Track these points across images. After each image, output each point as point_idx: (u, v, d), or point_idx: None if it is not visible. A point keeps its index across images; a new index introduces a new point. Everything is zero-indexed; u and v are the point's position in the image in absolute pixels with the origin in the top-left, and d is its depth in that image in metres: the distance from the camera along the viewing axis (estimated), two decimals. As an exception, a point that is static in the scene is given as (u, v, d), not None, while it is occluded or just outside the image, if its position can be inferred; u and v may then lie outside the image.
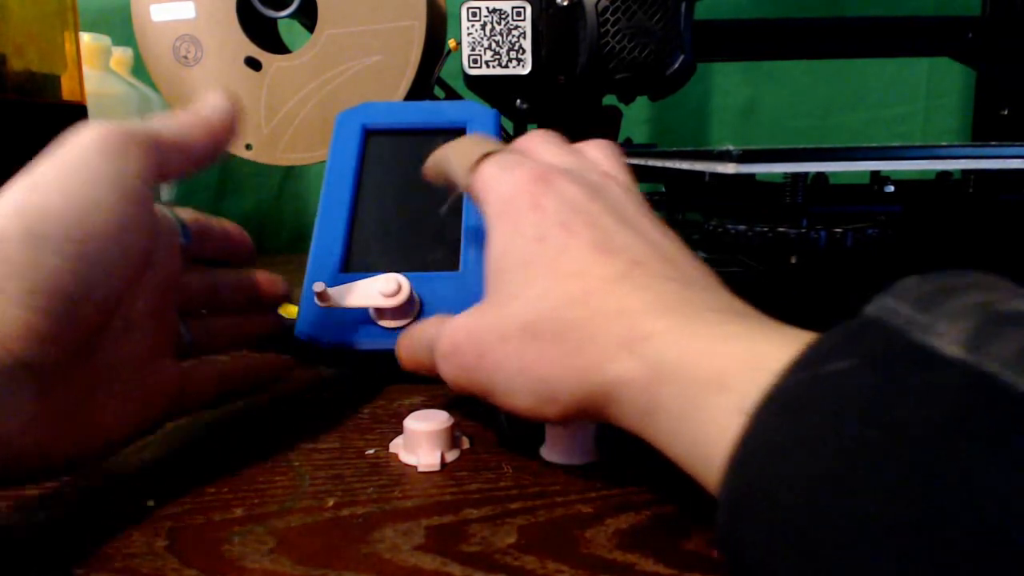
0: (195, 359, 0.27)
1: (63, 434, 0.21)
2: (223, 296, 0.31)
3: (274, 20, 0.58)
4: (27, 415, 0.19)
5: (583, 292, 0.20)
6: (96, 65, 0.65)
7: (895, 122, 0.83)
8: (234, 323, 0.31)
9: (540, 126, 0.51)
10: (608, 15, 0.44)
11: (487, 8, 0.46)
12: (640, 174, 0.53)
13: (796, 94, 0.84)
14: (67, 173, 0.20)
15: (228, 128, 0.25)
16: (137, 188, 0.21)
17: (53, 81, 0.50)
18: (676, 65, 0.45)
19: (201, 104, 0.25)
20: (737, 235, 0.35)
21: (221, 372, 0.28)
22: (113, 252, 0.21)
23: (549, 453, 0.28)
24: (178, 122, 0.24)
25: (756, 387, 0.15)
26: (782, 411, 0.14)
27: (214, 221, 0.30)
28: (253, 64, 0.57)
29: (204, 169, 0.25)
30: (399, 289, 0.35)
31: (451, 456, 0.27)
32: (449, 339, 0.23)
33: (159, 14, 0.57)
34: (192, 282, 0.29)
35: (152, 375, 0.24)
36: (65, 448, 0.21)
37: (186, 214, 0.29)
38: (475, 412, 0.32)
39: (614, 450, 0.28)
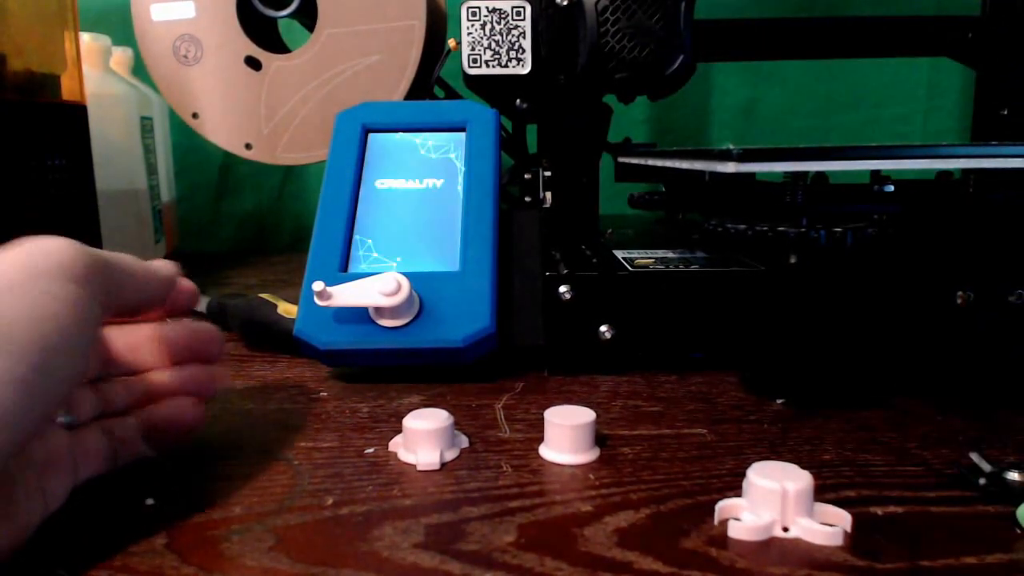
0: (87, 425, 0.25)
1: (5, 531, 0.20)
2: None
3: (274, 20, 0.58)
4: None
5: None
6: (96, 65, 0.65)
7: (895, 122, 0.83)
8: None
9: (540, 125, 0.51)
10: (608, 15, 0.44)
11: (487, 8, 0.46)
12: (640, 174, 0.53)
13: (796, 94, 0.84)
14: (33, 283, 0.20)
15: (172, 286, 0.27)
16: (95, 314, 0.22)
17: (53, 81, 0.50)
18: (676, 65, 0.45)
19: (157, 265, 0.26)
20: (737, 235, 0.35)
21: (117, 436, 0.25)
22: (70, 371, 0.20)
23: (548, 452, 0.28)
24: (141, 270, 0.25)
25: None
26: None
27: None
28: (253, 64, 0.57)
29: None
30: (399, 288, 0.35)
31: (450, 455, 0.27)
32: None
33: (159, 14, 0.57)
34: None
35: (43, 452, 0.22)
36: (7, 541, 0.20)
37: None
38: (476, 411, 0.32)
39: (613, 449, 0.28)
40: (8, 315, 0.19)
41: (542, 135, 0.51)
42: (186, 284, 0.28)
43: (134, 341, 0.28)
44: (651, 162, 0.44)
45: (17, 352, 0.18)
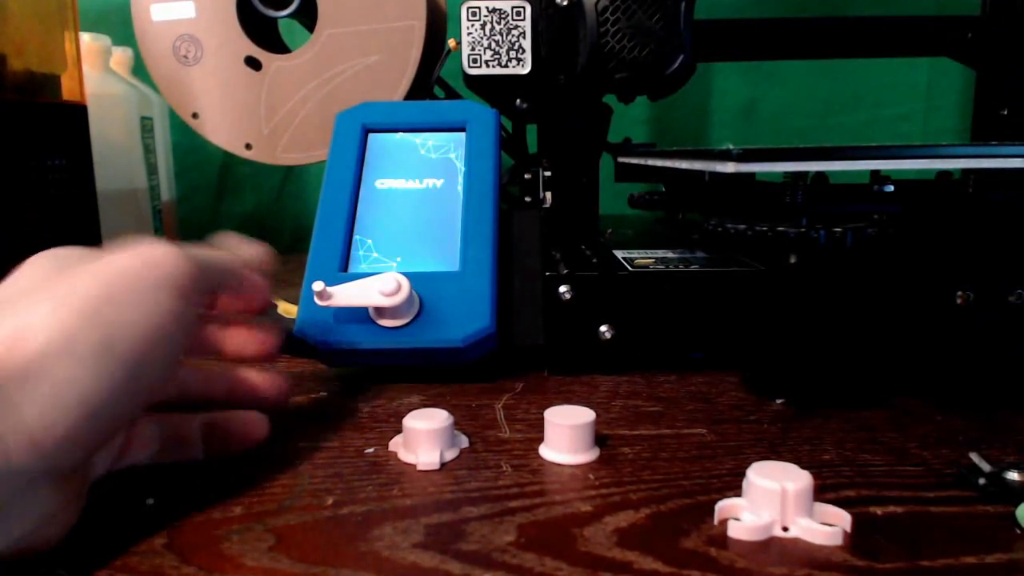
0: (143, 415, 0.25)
1: (72, 510, 0.21)
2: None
3: (274, 20, 0.58)
4: (46, 509, 0.20)
5: None
6: (96, 65, 0.65)
7: (895, 122, 0.83)
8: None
9: (539, 125, 0.51)
10: (608, 15, 0.44)
11: (487, 8, 0.46)
12: (640, 174, 0.53)
13: (796, 94, 0.84)
14: (141, 294, 0.21)
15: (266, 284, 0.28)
16: (193, 324, 0.24)
17: (53, 81, 0.50)
18: (676, 65, 0.45)
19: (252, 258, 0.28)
20: (737, 235, 0.35)
21: (166, 432, 0.26)
22: (162, 374, 0.22)
23: (548, 452, 0.28)
24: (241, 273, 0.27)
25: None
26: None
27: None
28: (253, 64, 0.57)
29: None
30: (399, 288, 0.35)
31: (450, 455, 0.27)
32: None
33: (159, 14, 0.57)
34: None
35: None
36: (72, 519, 0.21)
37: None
38: (476, 411, 0.32)
39: (613, 449, 0.28)
40: (113, 324, 0.20)
41: (542, 135, 0.51)
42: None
43: (203, 331, 0.28)
44: (651, 162, 0.44)
45: (116, 359, 0.20)
